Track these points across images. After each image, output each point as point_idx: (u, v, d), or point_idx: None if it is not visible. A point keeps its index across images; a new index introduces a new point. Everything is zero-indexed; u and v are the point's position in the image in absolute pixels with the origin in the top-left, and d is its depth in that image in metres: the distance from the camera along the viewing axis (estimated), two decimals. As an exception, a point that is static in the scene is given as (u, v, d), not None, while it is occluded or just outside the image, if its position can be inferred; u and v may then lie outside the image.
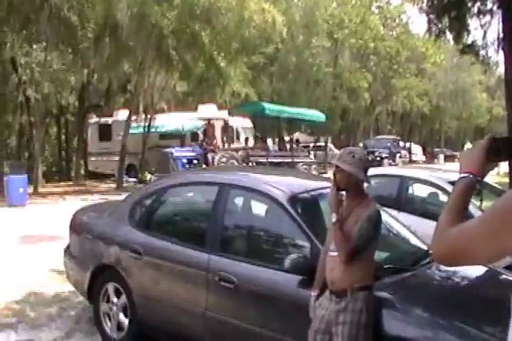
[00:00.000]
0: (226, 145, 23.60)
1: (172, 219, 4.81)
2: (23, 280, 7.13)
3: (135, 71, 26.73)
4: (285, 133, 27.04)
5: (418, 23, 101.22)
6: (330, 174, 8.19)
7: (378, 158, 34.73)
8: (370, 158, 7.54)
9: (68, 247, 5.67)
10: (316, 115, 25.08)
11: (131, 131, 23.85)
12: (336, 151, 32.23)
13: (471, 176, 1.57)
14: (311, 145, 33.23)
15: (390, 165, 33.79)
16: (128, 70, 28.41)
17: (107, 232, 5.08)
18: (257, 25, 24.26)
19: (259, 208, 4.54)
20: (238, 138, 25.72)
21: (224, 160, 19.73)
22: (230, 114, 25.57)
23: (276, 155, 22.15)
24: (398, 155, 38.92)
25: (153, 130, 25.84)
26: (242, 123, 26.56)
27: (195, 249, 4.20)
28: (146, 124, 25.72)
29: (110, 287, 4.91)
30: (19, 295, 6.45)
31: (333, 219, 3.16)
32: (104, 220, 5.27)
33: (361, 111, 41.24)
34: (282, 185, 4.21)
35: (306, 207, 4.23)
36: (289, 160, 21.95)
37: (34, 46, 28.94)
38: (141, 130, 25.77)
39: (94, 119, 29.68)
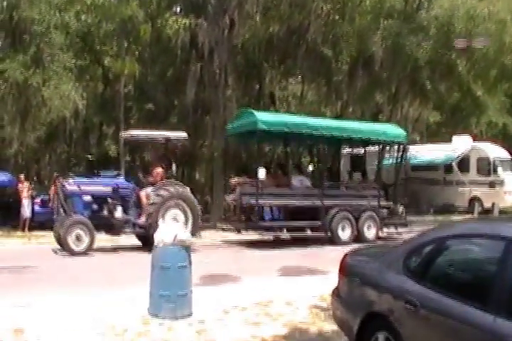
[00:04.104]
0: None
1: (451, 272, 4.51)
2: (288, 315, 7.31)
3: (387, 102, 26.74)
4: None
5: None
6: None
7: None
8: None
9: (337, 288, 5.66)
10: (386, 132, 17.93)
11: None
12: None
13: None
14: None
15: None
16: (380, 101, 28.52)
17: (378, 279, 4.96)
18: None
19: None
20: (495, 171, 24.17)
21: (158, 199, 13.77)
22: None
23: (301, 194, 15.93)
24: None
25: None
26: (499, 154, 24.92)
27: (477, 308, 3.85)
28: (399, 155, 25.43)
29: (381, 336, 4.73)
30: (284, 331, 6.59)
31: None
32: (374, 265, 5.17)
33: None
34: None
35: None
36: (309, 203, 15.85)
37: (290, 80, 30.45)
38: (393, 161, 25.55)
39: (346, 150, 30.17)
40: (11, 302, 7.62)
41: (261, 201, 14.95)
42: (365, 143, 19.09)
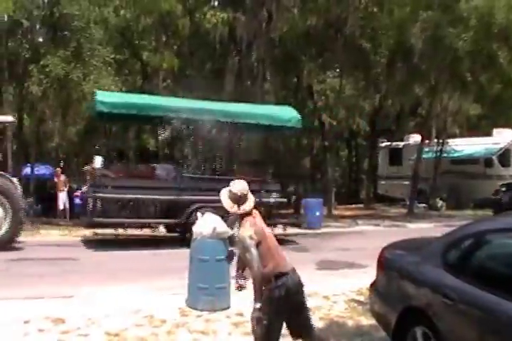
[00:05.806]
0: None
1: (491, 267, 4.45)
2: (325, 309, 7.32)
3: (427, 94, 26.41)
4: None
5: None
6: None
7: None
8: None
9: (375, 282, 5.65)
10: (273, 115, 14.69)
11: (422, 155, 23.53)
12: None
13: None
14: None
15: None
16: (419, 94, 28.21)
17: (416, 273, 4.93)
18: None
19: None
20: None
21: None
22: None
23: (153, 187, 13.38)
24: None
25: (444, 155, 25.15)
26: None
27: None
28: (438, 149, 25.13)
29: (418, 331, 4.71)
30: (321, 324, 6.57)
31: None
32: (412, 259, 5.14)
33: None
34: None
35: None
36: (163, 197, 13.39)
37: (328, 73, 30.29)
38: (431, 155, 25.27)
39: (385, 143, 29.94)
40: (52, 292, 7.78)
41: (100, 194, 12.83)
42: (251, 127, 15.11)
